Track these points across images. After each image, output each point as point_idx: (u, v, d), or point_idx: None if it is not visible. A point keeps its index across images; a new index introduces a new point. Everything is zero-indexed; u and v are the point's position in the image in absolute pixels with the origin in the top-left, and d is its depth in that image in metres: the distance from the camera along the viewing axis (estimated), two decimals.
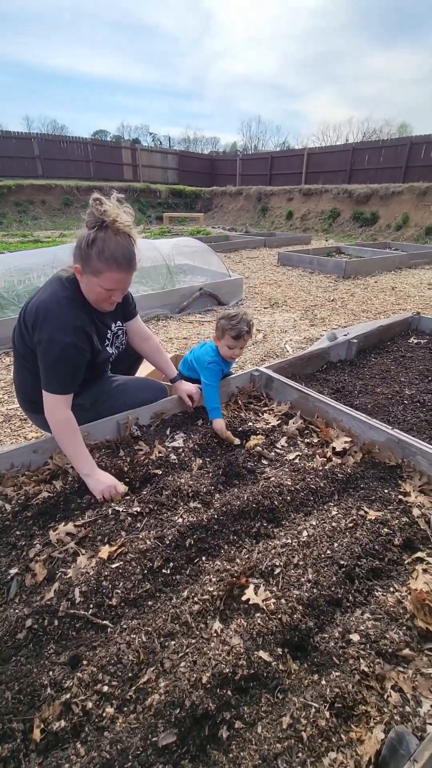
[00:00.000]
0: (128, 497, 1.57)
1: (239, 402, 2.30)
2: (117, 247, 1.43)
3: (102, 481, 1.56)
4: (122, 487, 1.59)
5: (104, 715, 0.93)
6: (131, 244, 1.48)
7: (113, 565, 1.26)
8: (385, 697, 0.98)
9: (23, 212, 14.23)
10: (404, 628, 1.13)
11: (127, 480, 1.65)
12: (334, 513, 1.52)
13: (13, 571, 1.29)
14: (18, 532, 1.44)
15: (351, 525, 1.46)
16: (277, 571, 1.27)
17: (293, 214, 14.98)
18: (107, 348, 1.76)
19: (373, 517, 1.48)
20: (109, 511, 1.49)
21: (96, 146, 17.90)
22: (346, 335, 3.29)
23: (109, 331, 1.76)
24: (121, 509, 1.49)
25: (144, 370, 2.60)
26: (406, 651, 1.07)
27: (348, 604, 1.21)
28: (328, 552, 1.33)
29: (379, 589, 1.26)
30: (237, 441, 1.91)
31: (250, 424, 2.06)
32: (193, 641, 1.07)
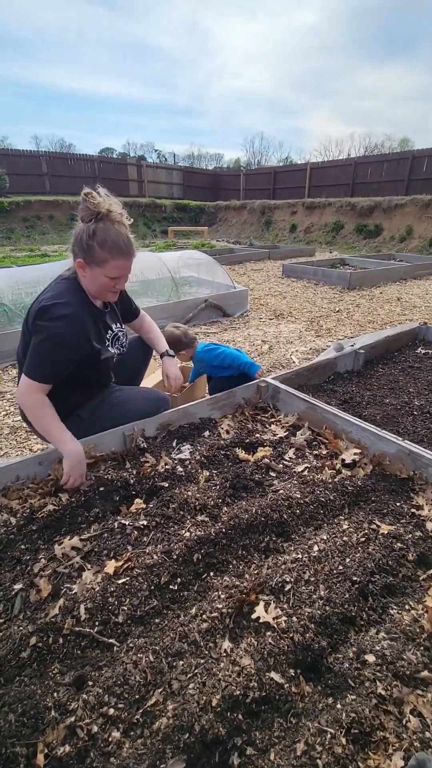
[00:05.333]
0: (135, 510, 1.54)
1: (246, 413, 2.28)
2: (117, 236, 1.50)
3: (73, 462, 1.58)
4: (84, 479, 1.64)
5: (110, 739, 0.89)
6: (128, 230, 1.56)
7: (119, 581, 1.23)
8: (404, 722, 0.94)
9: (31, 227, 14.49)
10: (422, 648, 1.08)
11: (133, 493, 1.63)
12: (345, 527, 1.48)
13: (18, 586, 1.27)
14: (23, 546, 1.41)
15: (363, 539, 1.42)
16: (288, 587, 1.23)
17: (297, 227, 15.12)
18: (108, 348, 1.78)
19: (386, 531, 1.44)
20: (116, 524, 1.46)
21: (102, 163, 18.30)
22: (352, 345, 3.27)
23: (110, 331, 1.79)
24: (127, 522, 1.47)
25: (150, 381, 2.59)
26: (425, 673, 1.02)
27: (362, 623, 1.17)
28: (340, 567, 1.29)
29: (394, 607, 1.22)
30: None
31: (257, 435, 2.03)
32: (202, 661, 1.03)
